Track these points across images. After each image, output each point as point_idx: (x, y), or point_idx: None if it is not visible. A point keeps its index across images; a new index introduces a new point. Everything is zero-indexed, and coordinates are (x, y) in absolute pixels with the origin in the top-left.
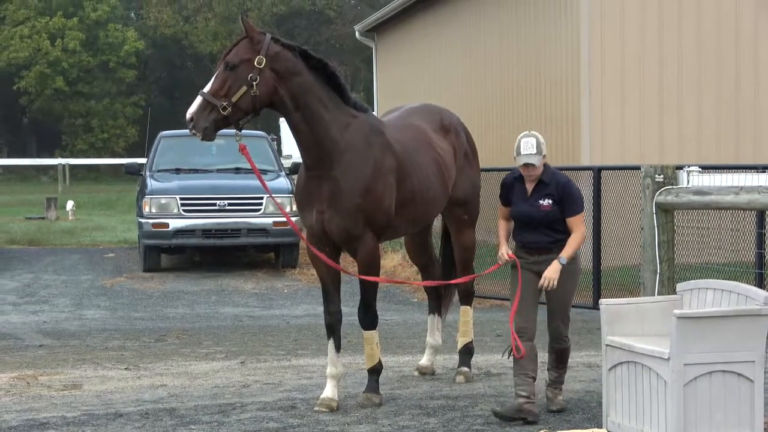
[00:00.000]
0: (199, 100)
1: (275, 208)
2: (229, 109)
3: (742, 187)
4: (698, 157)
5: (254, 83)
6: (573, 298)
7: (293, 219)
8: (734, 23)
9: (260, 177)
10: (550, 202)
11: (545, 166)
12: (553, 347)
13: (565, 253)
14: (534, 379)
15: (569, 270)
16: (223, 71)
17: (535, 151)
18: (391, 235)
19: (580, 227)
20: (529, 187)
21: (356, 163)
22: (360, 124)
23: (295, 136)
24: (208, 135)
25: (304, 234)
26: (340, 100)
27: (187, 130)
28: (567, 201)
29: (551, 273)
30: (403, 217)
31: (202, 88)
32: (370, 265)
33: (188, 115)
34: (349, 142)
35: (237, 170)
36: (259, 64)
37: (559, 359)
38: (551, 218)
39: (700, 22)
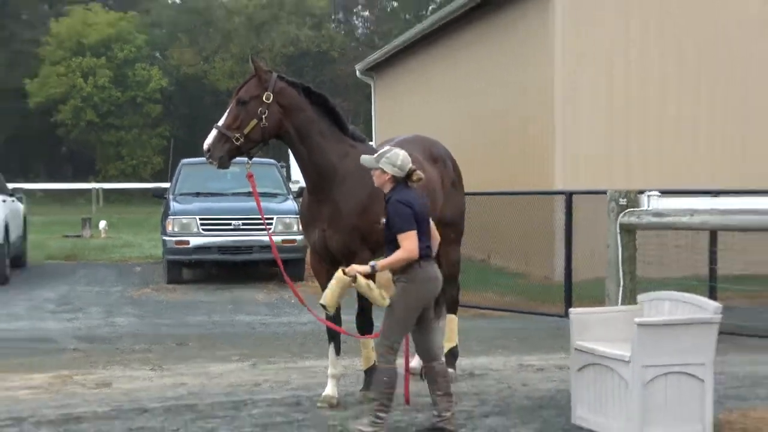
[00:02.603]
0: (214, 132)
1: (284, 227)
2: (242, 140)
3: (696, 210)
4: (659, 182)
5: (263, 116)
6: (398, 319)
7: (299, 237)
8: (696, 61)
9: (259, 204)
10: (384, 220)
11: (394, 184)
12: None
13: (380, 261)
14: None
15: (399, 287)
16: (236, 106)
17: (373, 158)
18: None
19: (402, 244)
20: None
21: (353, 188)
22: (357, 153)
23: (298, 164)
24: (224, 163)
25: (308, 253)
26: (340, 131)
27: (205, 159)
28: (389, 219)
29: (354, 267)
30: None
31: (217, 122)
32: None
33: (205, 146)
34: (347, 169)
35: (250, 194)
36: (267, 99)
37: (433, 382)
38: (388, 238)
39: (663, 60)
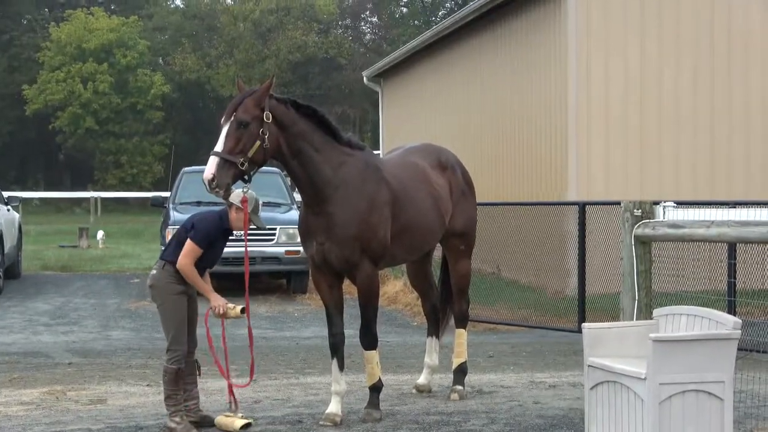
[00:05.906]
0: (215, 160)
1: (287, 237)
2: (246, 164)
3: (713, 222)
4: (675, 193)
5: (265, 137)
6: (167, 324)
7: (299, 249)
8: (710, 76)
9: (246, 236)
10: None
11: None
12: None
13: None
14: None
15: None
16: (236, 129)
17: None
18: (389, 262)
19: None
20: None
21: (350, 197)
22: (355, 160)
23: (292, 179)
24: (229, 192)
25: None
26: (334, 140)
27: (208, 190)
28: None
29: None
30: (400, 246)
31: (214, 148)
32: (369, 290)
33: (208, 175)
34: (343, 179)
35: None
36: (267, 119)
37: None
38: None
39: (678, 72)
